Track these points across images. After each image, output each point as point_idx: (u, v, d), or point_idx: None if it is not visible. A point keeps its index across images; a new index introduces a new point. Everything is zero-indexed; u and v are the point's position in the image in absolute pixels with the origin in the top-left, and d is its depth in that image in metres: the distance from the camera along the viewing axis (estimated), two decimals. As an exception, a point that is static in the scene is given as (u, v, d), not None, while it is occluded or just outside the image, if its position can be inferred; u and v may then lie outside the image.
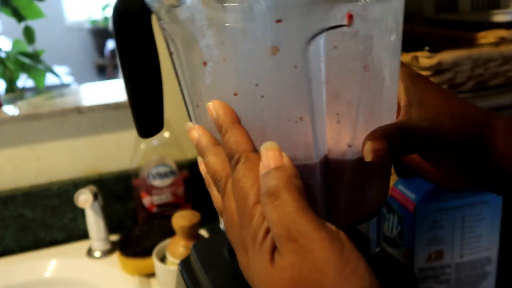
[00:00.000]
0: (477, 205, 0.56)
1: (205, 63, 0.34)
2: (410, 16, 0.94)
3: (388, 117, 0.38)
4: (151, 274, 0.84)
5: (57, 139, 0.97)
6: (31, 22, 1.09)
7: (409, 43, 0.65)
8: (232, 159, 0.33)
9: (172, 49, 0.39)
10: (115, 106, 0.98)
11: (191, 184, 0.98)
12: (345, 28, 0.32)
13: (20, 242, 0.95)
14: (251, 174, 0.31)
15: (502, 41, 0.73)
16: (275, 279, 0.28)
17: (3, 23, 3.73)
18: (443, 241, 0.56)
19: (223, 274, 0.46)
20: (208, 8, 0.33)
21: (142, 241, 0.85)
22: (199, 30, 0.34)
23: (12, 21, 1.07)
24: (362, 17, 0.33)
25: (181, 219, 0.76)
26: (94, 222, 0.90)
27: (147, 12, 0.39)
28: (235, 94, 0.34)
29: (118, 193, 0.99)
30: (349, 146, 0.36)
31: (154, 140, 0.95)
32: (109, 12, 4.00)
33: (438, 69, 0.69)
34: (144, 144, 0.94)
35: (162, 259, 0.80)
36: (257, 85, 0.33)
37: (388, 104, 0.38)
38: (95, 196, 0.89)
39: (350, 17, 0.32)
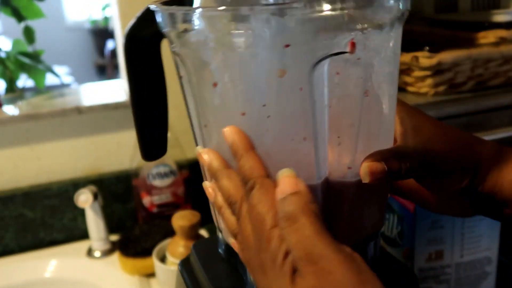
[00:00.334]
0: (477, 205, 0.56)
1: (215, 84, 0.36)
2: (410, 16, 0.94)
3: (386, 141, 0.40)
4: (151, 274, 0.84)
5: (57, 139, 0.97)
6: (31, 22, 1.09)
7: (409, 43, 0.65)
8: (247, 184, 0.34)
9: (182, 73, 0.40)
10: (115, 106, 0.98)
11: (191, 184, 0.98)
12: (347, 55, 0.34)
13: (20, 242, 0.95)
14: (267, 199, 0.32)
15: (502, 41, 0.73)
16: None
17: (3, 23, 3.73)
18: (443, 241, 0.56)
19: (223, 274, 0.46)
20: (219, 33, 0.34)
21: (142, 241, 0.85)
22: (210, 53, 0.35)
23: (12, 21, 1.07)
24: (364, 45, 0.35)
25: (181, 219, 0.76)
26: (94, 222, 0.90)
27: (158, 38, 0.41)
28: (243, 114, 0.36)
29: (118, 193, 0.99)
30: (349, 168, 0.38)
31: (154, 140, 0.95)
32: (109, 12, 4.00)
33: (438, 69, 0.69)
34: (144, 144, 0.94)
35: (162, 259, 0.80)
36: (264, 105, 0.35)
37: (386, 128, 0.40)
38: (95, 196, 0.89)
39: (353, 44, 0.34)
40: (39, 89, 1.10)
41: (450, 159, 0.39)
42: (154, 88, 0.43)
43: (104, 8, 4.30)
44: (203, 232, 0.84)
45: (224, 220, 0.39)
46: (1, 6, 1.04)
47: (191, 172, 0.98)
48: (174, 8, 0.36)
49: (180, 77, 0.41)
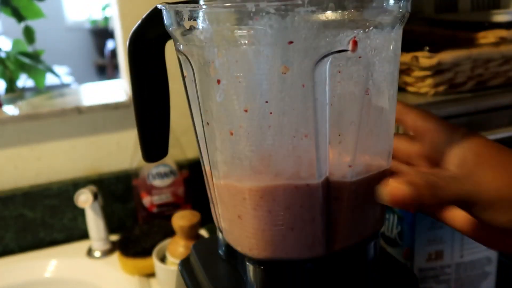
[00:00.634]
0: (477, 205, 0.56)
1: (219, 81, 0.37)
2: (410, 16, 0.94)
3: (386, 140, 0.41)
4: (151, 274, 0.84)
5: (57, 139, 0.97)
6: (31, 22, 1.09)
7: (409, 43, 0.65)
8: None
9: (185, 72, 0.41)
10: (115, 106, 0.98)
11: (191, 184, 0.98)
12: (349, 53, 0.35)
13: (20, 242, 0.95)
14: None
15: (502, 41, 0.73)
16: None
17: (3, 23, 3.73)
18: (443, 241, 0.56)
19: (223, 274, 0.46)
20: (224, 30, 0.35)
21: (142, 241, 0.85)
22: (215, 50, 0.36)
23: (12, 21, 1.07)
24: (366, 44, 0.35)
25: (181, 219, 0.76)
26: (94, 222, 0.90)
27: (163, 39, 0.41)
28: (246, 111, 0.36)
29: (118, 193, 0.99)
30: (350, 166, 0.38)
31: (154, 140, 0.95)
32: (109, 12, 4.00)
33: (438, 69, 0.69)
34: (144, 144, 0.94)
35: (162, 259, 0.80)
36: (266, 102, 0.36)
37: (386, 127, 0.40)
38: (95, 196, 0.89)
39: (355, 43, 0.35)
40: (39, 89, 1.10)
41: (500, 191, 0.32)
42: (157, 89, 0.44)
43: (104, 8, 4.30)
44: (203, 232, 0.84)
45: None
46: (1, 6, 1.04)
47: (191, 172, 0.98)
48: (180, 6, 0.37)
49: (183, 77, 0.42)
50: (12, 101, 1.03)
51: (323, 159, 0.37)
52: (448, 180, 0.33)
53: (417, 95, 0.72)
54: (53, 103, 1.00)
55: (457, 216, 0.38)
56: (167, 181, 0.94)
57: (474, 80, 0.72)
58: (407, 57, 0.71)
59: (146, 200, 0.95)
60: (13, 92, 1.08)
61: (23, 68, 1.07)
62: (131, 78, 0.43)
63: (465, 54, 0.69)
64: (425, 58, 0.68)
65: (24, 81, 1.12)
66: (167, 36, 0.41)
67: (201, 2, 0.38)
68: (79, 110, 0.96)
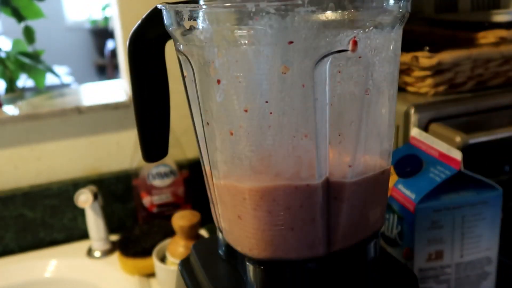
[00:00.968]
0: (477, 205, 0.56)
1: (219, 81, 0.37)
2: (410, 16, 0.94)
3: (386, 140, 0.40)
4: (151, 274, 0.84)
5: (57, 139, 0.97)
6: (31, 22, 1.09)
7: (409, 43, 0.65)
8: None
9: (185, 72, 0.41)
10: (115, 106, 0.98)
11: (191, 184, 0.98)
12: (349, 53, 0.35)
13: (20, 242, 0.95)
14: None
15: (502, 41, 0.73)
16: None
17: (3, 23, 3.73)
18: (443, 241, 0.56)
19: (223, 274, 0.46)
20: (224, 30, 0.35)
21: (142, 241, 0.85)
22: (215, 50, 0.36)
23: (12, 21, 1.07)
24: (366, 44, 0.36)
25: (181, 219, 0.76)
26: (94, 222, 0.90)
27: (163, 39, 0.42)
28: (245, 111, 0.36)
29: (118, 193, 0.99)
30: (350, 166, 0.38)
31: (154, 140, 0.95)
32: (109, 12, 4.00)
33: (438, 69, 0.69)
34: (144, 144, 0.94)
35: (162, 259, 0.80)
36: (266, 102, 0.36)
37: (386, 127, 0.40)
38: (95, 196, 0.89)
39: (355, 43, 0.35)
40: (39, 89, 1.10)
41: None
42: (157, 89, 0.44)
43: (104, 8, 4.30)
44: (203, 232, 0.84)
45: None
46: (1, 6, 1.04)
47: (191, 172, 0.98)
48: (180, 6, 0.37)
49: (183, 77, 0.42)
50: (12, 101, 1.03)
51: (323, 159, 0.37)
52: None
53: (417, 95, 0.72)
54: (53, 103, 1.00)
55: None
56: (167, 181, 0.94)
57: (474, 80, 0.72)
58: (407, 57, 0.71)
59: (146, 200, 0.95)
60: (13, 92, 1.08)
61: (23, 68, 1.07)
62: (131, 78, 0.43)
63: (465, 54, 0.69)
64: (425, 58, 0.68)
65: (24, 81, 1.12)
66: (167, 36, 0.41)
67: (201, 2, 0.38)
68: (79, 110, 0.96)
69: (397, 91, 0.42)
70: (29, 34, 1.09)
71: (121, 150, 1.01)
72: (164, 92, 0.44)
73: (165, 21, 0.40)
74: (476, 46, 0.72)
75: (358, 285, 0.43)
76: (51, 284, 0.88)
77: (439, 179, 0.54)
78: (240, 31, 0.34)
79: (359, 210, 0.41)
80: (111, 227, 0.96)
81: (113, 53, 3.67)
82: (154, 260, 0.78)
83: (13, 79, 1.08)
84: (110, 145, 1.00)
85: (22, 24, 1.08)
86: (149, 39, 0.42)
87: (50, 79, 1.39)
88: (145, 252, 0.83)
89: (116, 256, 0.90)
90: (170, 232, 0.84)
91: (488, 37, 0.75)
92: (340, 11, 0.34)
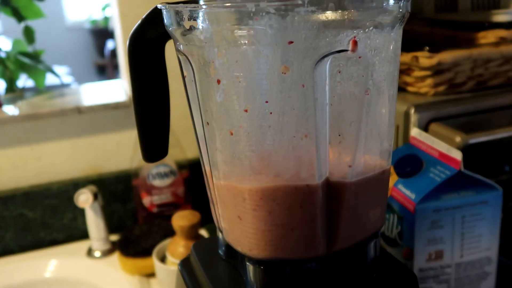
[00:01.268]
0: (477, 205, 0.56)
1: (219, 81, 0.37)
2: (410, 16, 0.94)
3: (386, 140, 0.41)
4: (151, 274, 0.84)
5: (57, 139, 0.97)
6: (31, 22, 1.09)
7: (409, 43, 0.65)
8: None
9: (185, 72, 0.41)
10: (115, 106, 0.98)
11: (191, 184, 0.98)
12: (349, 53, 0.35)
13: (20, 242, 0.95)
14: None
15: (502, 41, 0.73)
16: None
17: (3, 23, 3.73)
18: (443, 241, 0.56)
19: (223, 274, 0.46)
20: (224, 30, 0.35)
21: (142, 241, 0.85)
22: (215, 50, 0.36)
23: (12, 21, 1.07)
24: (366, 44, 0.36)
25: (181, 219, 0.76)
26: (94, 222, 0.90)
27: (163, 39, 0.42)
28: (246, 111, 0.36)
29: (118, 193, 0.99)
30: (350, 166, 0.38)
31: (154, 140, 0.95)
32: (109, 12, 4.00)
33: (438, 69, 0.69)
34: (144, 144, 0.94)
35: (162, 259, 0.80)
36: (266, 102, 0.36)
37: (386, 127, 0.40)
38: (95, 196, 0.89)
39: (355, 43, 0.35)
40: (39, 89, 1.10)
41: None
42: (157, 89, 0.44)
43: (104, 8, 4.30)
44: (203, 232, 0.84)
45: None
46: (1, 6, 1.04)
47: (191, 172, 0.98)
48: (180, 6, 0.37)
49: (183, 77, 0.42)
50: (12, 101, 1.03)
51: (323, 159, 0.37)
52: None
53: (417, 95, 0.72)
54: (53, 103, 1.00)
55: None
56: (167, 181, 0.94)
57: (474, 80, 0.72)
58: (407, 57, 0.71)
59: (146, 200, 0.95)
60: (13, 92, 1.08)
61: (23, 68, 1.07)
62: (131, 78, 0.43)
63: (465, 54, 0.69)
64: (425, 58, 0.68)
65: (24, 81, 1.12)
66: (167, 36, 0.41)
67: (201, 2, 0.38)
68: (79, 110, 0.96)
69: (397, 91, 0.42)
70: (29, 34, 1.09)
71: (121, 150, 1.01)
72: (164, 92, 0.44)
73: (165, 21, 0.40)
74: (476, 46, 0.72)
75: (358, 285, 0.43)
76: (51, 284, 0.88)
77: (439, 179, 0.54)
78: (240, 31, 0.34)
79: (359, 210, 0.41)
80: (111, 227, 0.96)
81: (113, 53, 3.67)
82: (154, 260, 0.78)
83: (13, 79, 1.07)
84: (110, 145, 1.00)
85: (22, 24, 1.08)
86: (149, 39, 0.42)
87: (50, 79, 1.39)
88: (145, 252, 0.83)
89: (116, 256, 0.90)
90: (170, 232, 0.84)
91: (488, 37, 0.75)
92: (340, 11, 0.34)
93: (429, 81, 0.70)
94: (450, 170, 0.54)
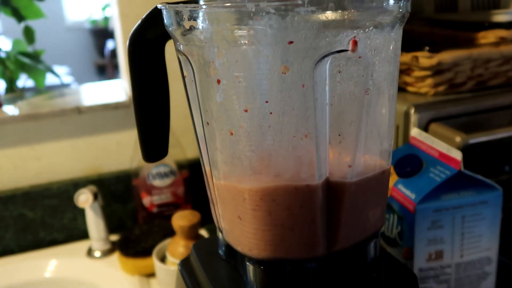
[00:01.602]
0: (477, 205, 0.56)
1: (219, 81, 0.37)
2: (410, 16, 0.94)
3: (386, 140, 0.41)
4: (151, 274, 0.84)
5: (57, 139, 0.97)
6: (31, 22, 1.09)
7: (409, 43, 0.65)
8: None
9: (185, 72, 0.41)
10: (115, 106, 0.98)
11: (191, 184, 0.98)
12: (349, 53, 0.35)
13: (20, 242, 0.95)
14: None
15: (502, 41, 0.73)
16: None
17: (3, 23, 3.73)
18: (443, 241, 0.56)
19: (223, 274, 0.46)
20: (224, 30, 0.35)
21: (142, 241, 0.85)
22: (215, 50, 0.36)
23: (12, 21, 1.07)
24: (366, 44, 0.36)
25: (181, 219, 0.76)
26: (94, 222, 0.90)
27: (163, 40, 0.42)
28: (246, 111, 0.36)
29: (118, 193, 0.99)
30: (350, 166, 0.38)
31: (154, 140, 0.95)
32: (109, 12, 4.00)
33: (438, 69, 0.69)
34: (144, 144, 0.94)
35: (162, 259, 0.80)
36: (266, 102, 0.36)
37: (386, 127, 0.40)
38: (95, 196, 0.89)
39: (355, 43, 0.35)
40: (39, 89, 1.10)
41: None
42: (157, 90, 0.44)
43: (104, 8, 4.30)
44: (203, 232, 0.84)
45: None
46: (1, 6, 1.04)
47: (191, 172, 0.98)
48: (180, 6, 0.37)
49: (183, 77, 0.42)
50: (12, 101, 1.03)
51: (323, 159, 0.37)
52: None
53: (417, 95, 0.72)
54: (53, 103, 1.00)
55: None
56: (167, 181, 0.94)
57: (474, 80, 0.72)
58: (407, 57, 0.71)
59: (146, 200, 0.95)
60: (13, 92, 1.08)
61: (23, 68, 1.07)
62: (131, 78, 0.43)
63: (465, 54, 0.68)
64: (425, 58, 0.68)
65: (24, 81, 1.12)
66: (167, 36, 0.41)
67: (201, 2, 0.38)
68: (79, 110, 0.96)
69: (397, 91, 0.42)
70: (29, 34, 1.09)
71: (121, 150, 1.01)
72: (164, 92, 0.44)
73: (165, 21, 0.40)
74: (476, 46, 0.72)
75: (358, 285, 0.43)
76: (51, 284, 0.88)
77: (439, 179, 0.54)
78: (240, 31, 0.34)
79: (359, 210, 0.41)
80: (111, 227, 0.96)
81: (113, 53, 3.67)
82: (154, 260, 0.78)
83: (13, 79, 1.07)
84: (110, 145, 1.00)
85: (22, 24, 1.08)
86: (149, 39, 0.42)
87: (50, 79, 1.39)
88: (145, 252, 0.83)
89: (116, 256, 0.90)
90: (170, 232, 0.84)
91: (488, 37, 0.75)
92: (340, 11, 0.34)
93: (429, 81, 0.70)
94: (450, 170, 0.54)
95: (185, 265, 0.51)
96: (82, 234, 0.98)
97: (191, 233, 0.76)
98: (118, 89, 1.08)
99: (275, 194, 0.38)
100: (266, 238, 0.39)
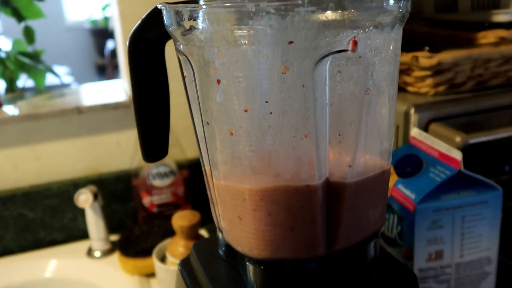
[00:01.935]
0: (477, 205, 0.56)
1: (219, 81, 0.37)
2: (410, 16, 0.94)
3: (386, 140, 0.41)
4: (151, 274, 0.84)
5: (57, 139, 0.97)
6: (31, 22, 1.09)
7: (409, 43, 0.65)
8: None
9: (185, 72, 0.41)
10: (115, 106, 0.98)
11: (191, 184, 0.98)
12: (349, 53, 0.35)
13: (20, 242, 0.95)
14: None
15: (502, 41, 0.73)
16: None
17: (3, 23, 3.73)
18: (443, 241, 0.56)
19: (223, 274, 0.46)
20: (224, 30, 0.35)
21: (142, 241, 0.85)
22: (215, 50, 0.36)
23: (12, 21, 1.07)
24: (366, 44, 0.36)
25: (181, 219, 0.76)
26: (94, 222, 0.90)
27: (163, 39, 0.42)
28: (246, 111, 0.36)
29: (118, 193, 0.99)
30: (350, 166, 0.38)
31: (154, 140, 0.95)
32: (109, 12, 4.00)
33: (438, 69, 0.69)
34: (144, 144, 0.94)
35: (162, 259, 0.80)
36: (266, 102, 0.36)
37: (386, 127, 0.40)
38: (95, 196, 0.89)
39: (355, 43, 0.35)
40: (39, 89, 1.10)
41: None
42: (157, 90, 0.44)
43: (104, 8, 4.31)
44: (203, 232, 0.84)
45: None
46: (1, 6, 1.04)
47: (191, 172, 0.98)
48: (180, 6, 0.37)
49: (183, 77, 0.42)
50: (12, 101, 1.03)
51: (323, 159, 0.37)
52: None
53: (417, 95, 0.72)
54: (53, 103, 1.00)
55: None
56: (167, 181, 0.94)
57: (474, 80, 0.72)
58: (407, 57, 0.71)
59: (146, 200, 0.95)
60: (13, 92, 1.08)
61: (23, 68, 1.07)
62: (131, 78, 0.43)
63: (465, 54, 0.68)
64: (425, 58, 0.68)
65: (24, 81, 1.12)
66: (167, 36, 0.41)
67: (201, 2, 0.38)
68: (79, 110, 0.96)
69: (397, 91, 0.42)
70: (29, 34, 1.09)
71: (121, 150, 1.01)
72: (164, 92, 0.44)
73: (165, 21, 0.40)
74: (476, 46, 0.72)
75: (358, 285, 0.43)
76: (51, 284, 0.88)
77: (439, 179, 0.54)
78: (240, 31, 0.34)
79: (359, 210, 0.41)
80: (111, 227, 0.96)
81: (113, 53, 3.67)
82: (154, 260, 0.78)
83: (13, 79, 1.07)
84: (110, 145, 1.00)
85: (22, 24, 1.08)
86: (149, 39, 0.42)
87: (50, 79, 1.39)
88: (145, 252, 0.83)
89: (116, 256, 0.90)
90: (170, 232, 0.84)
91: (488, 37, 0.75)
92: (340, 11, 0.34)
93: (429, 81, 0.70)
94: (450, 170, 0.54)
95: (185, 265, 0.51)
96: (82, 234, 0.98)
97: (191, 233, 0.76)
98: (118, 89, 1.08)
99: (275, 194, 0.38)
100: (266, 238, 0.39)
